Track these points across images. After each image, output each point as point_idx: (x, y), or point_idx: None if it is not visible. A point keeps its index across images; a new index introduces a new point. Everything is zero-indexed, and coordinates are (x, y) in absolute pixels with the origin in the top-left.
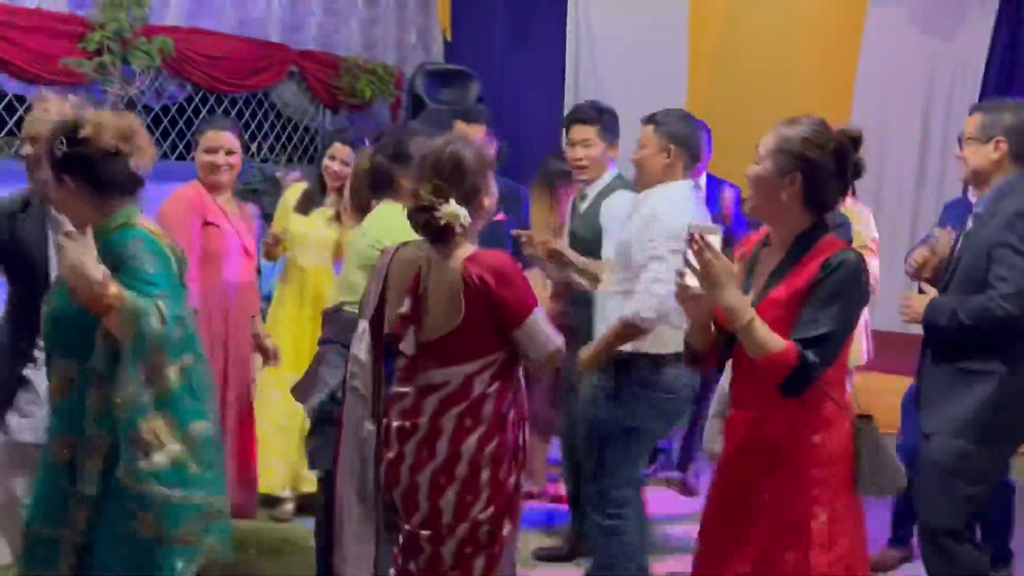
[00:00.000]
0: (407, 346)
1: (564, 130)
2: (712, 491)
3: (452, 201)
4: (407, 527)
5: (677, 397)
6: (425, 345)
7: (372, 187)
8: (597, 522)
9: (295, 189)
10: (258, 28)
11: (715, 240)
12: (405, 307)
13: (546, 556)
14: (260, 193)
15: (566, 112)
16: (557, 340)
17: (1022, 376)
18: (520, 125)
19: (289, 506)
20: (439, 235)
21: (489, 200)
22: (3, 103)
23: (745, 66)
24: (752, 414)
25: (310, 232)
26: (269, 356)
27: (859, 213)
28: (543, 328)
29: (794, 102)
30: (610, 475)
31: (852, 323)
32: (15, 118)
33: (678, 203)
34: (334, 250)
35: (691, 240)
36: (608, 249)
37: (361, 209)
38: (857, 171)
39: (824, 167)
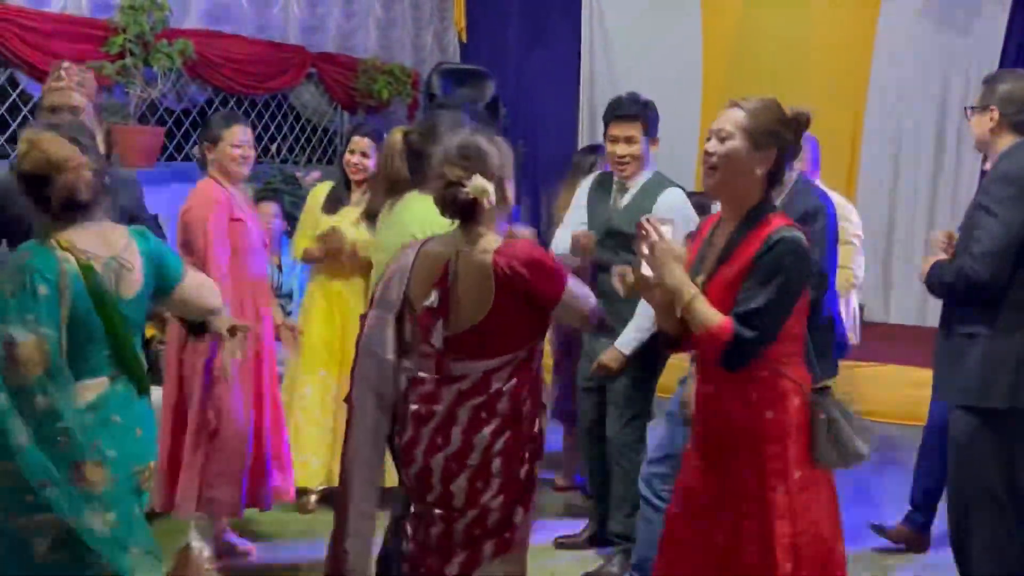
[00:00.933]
0: (436, 339)
1: (604, 125)
2: (684, 461)
3: (476, 177)
4: (421, 504)
5: None
6: (450, 339)
7: (407, 163)
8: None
9: (321, 189)
10: (277, 30)
11: (667, 230)
12: (432, 300)
13: (567, 543)
14: (280, 193)
15: (581, 111)
16: (591, 300)
17: (1005, 340)
18: (536, 124)
19: (312, 497)
20: (468, 212)
21: (510, 191)
22: (29, 106)
23: (759, 64)
24: (710, 388)
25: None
26: (292, 338)
27: (844, 207)
28: (578, 295)
29: (809, 99)
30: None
31: (789, 299)
32: None
33: None
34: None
35: (639, 228)
36: None
37: (392, 188)
38: (794, 152)
39: (791, 143)
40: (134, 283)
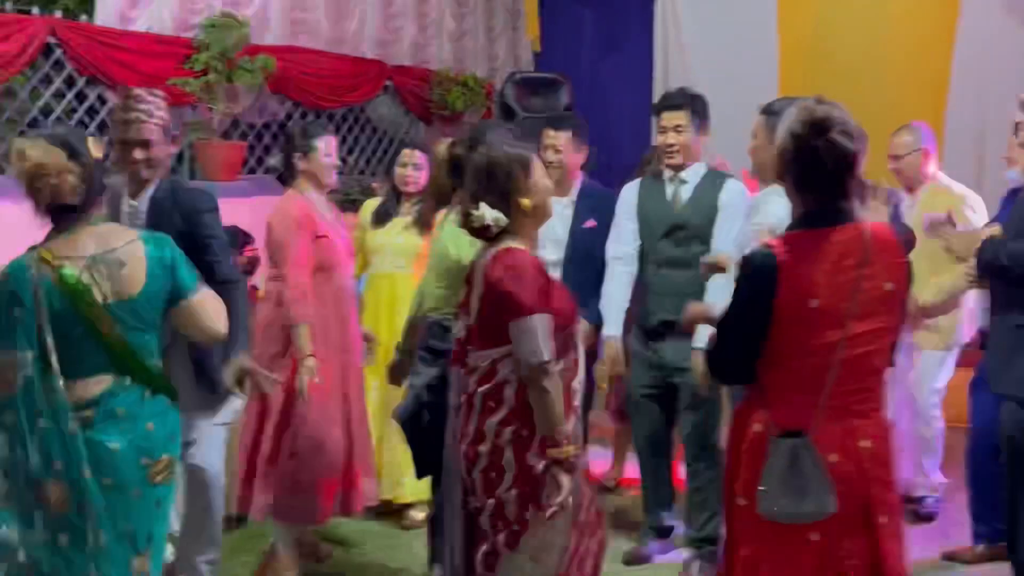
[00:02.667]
0: (458, 329)
1: (655, 118)
2: None
3: (483, 205)
4: (460, 497)
5: None
6: (468, 329)
7: (450, 176)
8: None
9: (370, 204)
10: (352, 44)
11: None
12: (462, 295)
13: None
14: (357, 204)
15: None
16: (541, 356)
17: None
18: (610, 130)
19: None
20: (480, 235)
21: (533, 198)
22: None
23: (838, 63)
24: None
25: (387, 241)
26: (369, 348)
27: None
28: (534, 336)
29: (889, 97)
30: None
31: (736, 320)
32: None
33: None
34: (416, 256)
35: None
36: (726, 239)
37: (440, 199)
38: (836, 158)
39: (795, 155)
40: (130, 283)
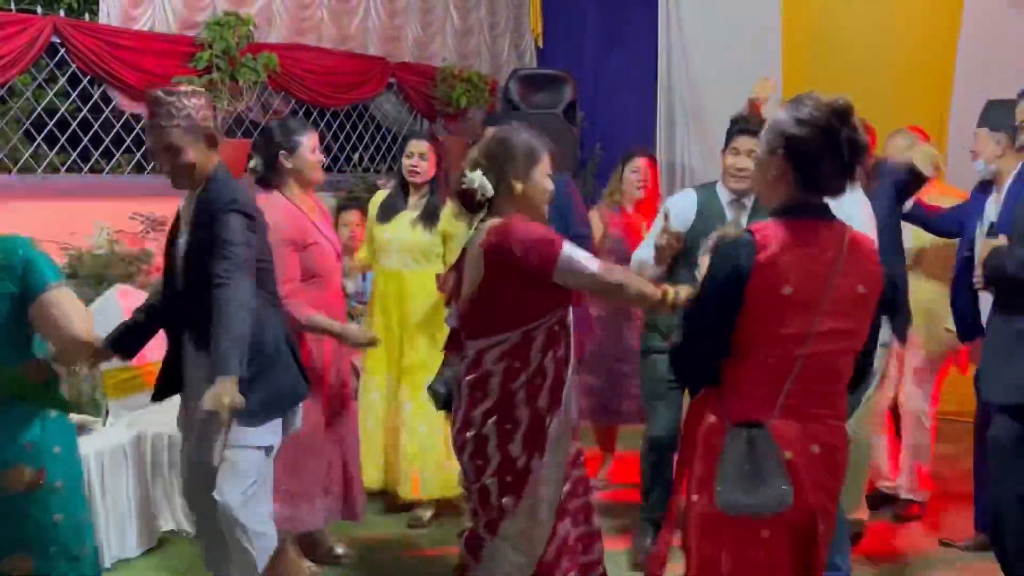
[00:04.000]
0: (450, 318)
1: (727, 137)
2: None
3: (479, 172)
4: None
5: None
6: (460, 318)
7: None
8: None
9: (378, 197)
10: (356, 41)
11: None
12: (452, 282)
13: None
14: (362, 201)
15: (659, 114)
16: (592, 271)
17: None
18: (613, 127)
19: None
20: (464, 199)
21: (527, 187)
22: (120, 121)
23: (841, 62)
24: None
25: (393, 236)
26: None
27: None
28: (576, 263)
29: (893, 95)
30: None
31: (706, 307)
32: (132, 135)
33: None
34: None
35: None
36: None
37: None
38: (855, 149)
39: (809, 143)
40: None
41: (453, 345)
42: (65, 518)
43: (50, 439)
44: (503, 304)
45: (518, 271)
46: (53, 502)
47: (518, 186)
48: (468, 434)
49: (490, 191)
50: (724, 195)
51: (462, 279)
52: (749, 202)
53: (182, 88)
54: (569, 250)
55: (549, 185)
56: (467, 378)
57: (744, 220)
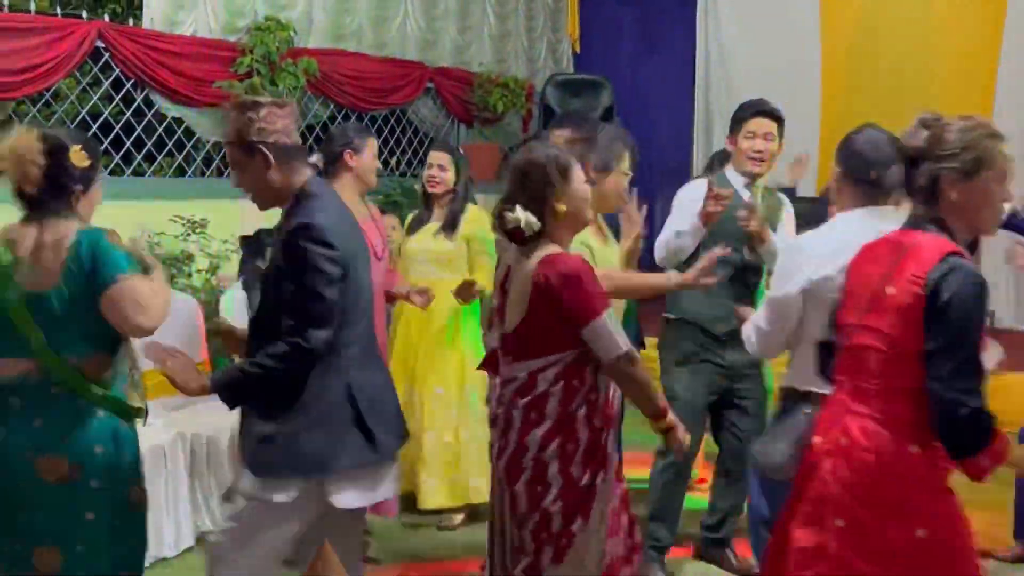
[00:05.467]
0: (491, 338)
1: (738, 122)
2: None
3: (518, 208)
4: (501, 511)
5: None
6: (504, 338)
7: None
8: None
9: (409, 217)
10: (395, 46)
11: None
12: (495, 302)
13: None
14: (399, 205)
15: (696, 117)
16: (620, 348)
17: None
18: (650, 131)
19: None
20: (512, 237)
21: (570, 204)
22: (163, 125)
23: (881, 63)
24: None
25: (419, 247)
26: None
27: None
28: (608, 332)
29: (933, 99)
30: None
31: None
32: (174, 139)
33: None
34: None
35: None
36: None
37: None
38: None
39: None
40: (44, 279)
41: (490, 366)
42: (97, 518)
43: (93, 438)
44: (552, 330)
45: (559, 312)
46: (86, 500)
47: (561, 208)
48: (525, 460)
49: (537, 224)
50: (736, 179)
51: (506, 298)
52: (762, 184)
53: (257, 99)
54: (606, 319)
55: (587, 189)
56: (520, 401)
57: (760, 201)
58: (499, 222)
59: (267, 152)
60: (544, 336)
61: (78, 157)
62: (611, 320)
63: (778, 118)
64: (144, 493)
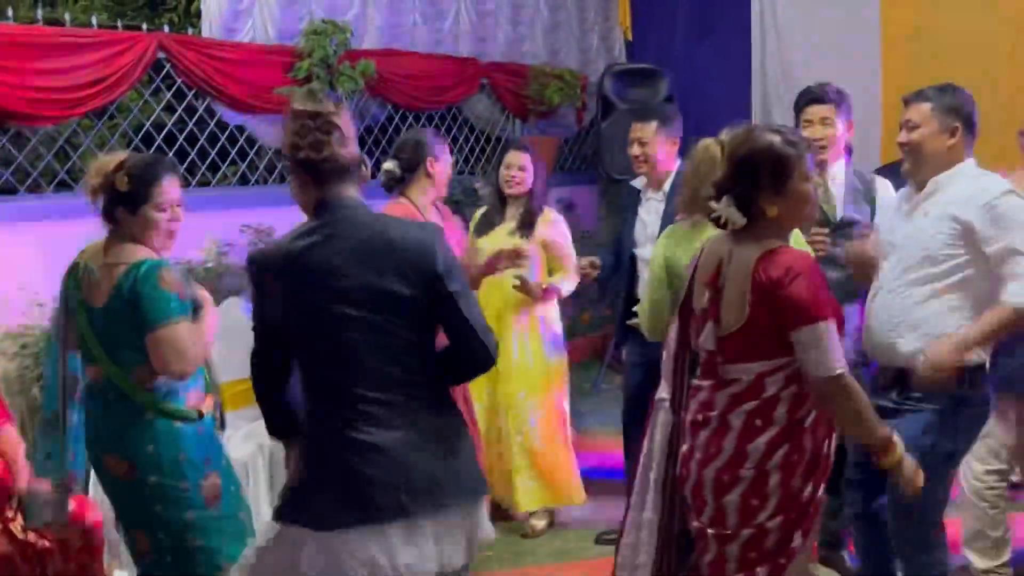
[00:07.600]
0: (706, 340)
1: (796, 112)
2: None
3: (725, 200)
4: (696, 523)
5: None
6: (721, 339)
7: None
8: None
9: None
10: (448, 43)
11: None
12: (705, 300)
13: None
14: (461, 205)
15: (753, 106)
16: (833, 368)
17: None
18: (706, 121)
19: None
20: (724, 227)
21: (783, 208)
22: (225, 133)
23: (944, 47)
24: None
25: (492, 248)
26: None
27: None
28: (823, 346)
29: (997, 83)
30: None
31: None
32: (236, 147)
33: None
34: None
35: None
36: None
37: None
38: None
39: None
40: (97, 296)
41: (708, 372)
42: (166, 510)
43: (145, 438)
44: (780, 331)
45: (779, 307)
46: (150, 494)
47: (772, 210)
48: (743, 471)
49: (741, 219)
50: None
51: (720, 296)
52: (836, 173)
53: (296, 108)
54: (824, 329)
55: (810, 188)
56: (742, 407)
57: (837, 192)
58: (707, 207)
59: (296, 166)
60: (772, 336)
61: (120, 181)
62: (830, 332)
63: (832, 100)
64: (217, 488)
